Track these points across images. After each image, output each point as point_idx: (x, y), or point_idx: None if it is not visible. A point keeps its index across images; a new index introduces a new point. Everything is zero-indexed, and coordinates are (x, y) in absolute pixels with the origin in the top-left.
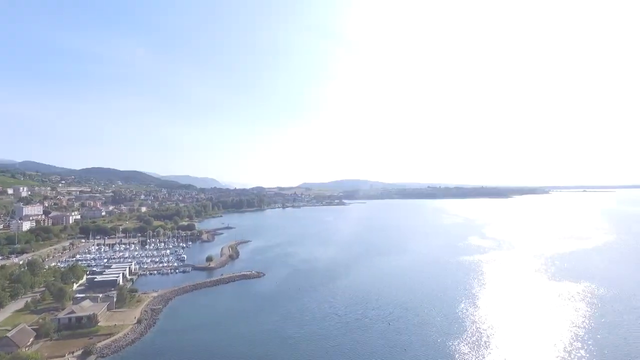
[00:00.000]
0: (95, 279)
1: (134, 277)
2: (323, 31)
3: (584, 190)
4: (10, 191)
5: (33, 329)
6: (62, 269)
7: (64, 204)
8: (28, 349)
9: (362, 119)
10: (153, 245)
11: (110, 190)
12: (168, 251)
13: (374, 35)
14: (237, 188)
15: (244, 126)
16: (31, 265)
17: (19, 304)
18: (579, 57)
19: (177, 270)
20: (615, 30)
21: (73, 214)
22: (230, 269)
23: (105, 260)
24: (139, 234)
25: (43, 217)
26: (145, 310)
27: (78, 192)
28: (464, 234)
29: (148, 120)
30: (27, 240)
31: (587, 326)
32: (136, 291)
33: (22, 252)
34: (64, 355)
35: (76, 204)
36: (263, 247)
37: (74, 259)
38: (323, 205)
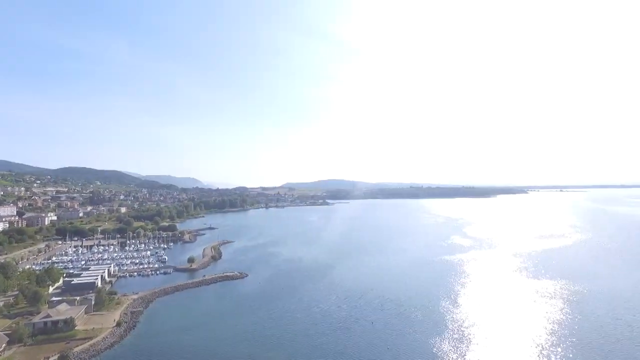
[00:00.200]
0: (73, 282)
1: (114, 279)
2: (307, 30)
3: (560, 190)
4: None
5: (6, 334)
6: (37, 272)
7: (40, 204)
8: (0, 355)
9: (345, 119)
10: (133, 246)
11: (88, 191)
12: (149, 252)
13: (358, 35)
14: (219, 188)
15: (227, 126)
16: (4, 268)
17: None
18: (553, 62)
19: (158, 272)
20: (599, 32)
21: (49, 215)
22: (213, 269)
23: (83, 262)
24: (119, 235)
25: (17, 218)
26: (125, 313)
27: (54, 193)
28: (446, 233)
29: (127, 119)
30: None
31: (563, 320)
32: (115, 293)
33: None
34: None
35: (52, 205)
36: (246, 247)
37: (50, 261)
38: (307, 205)
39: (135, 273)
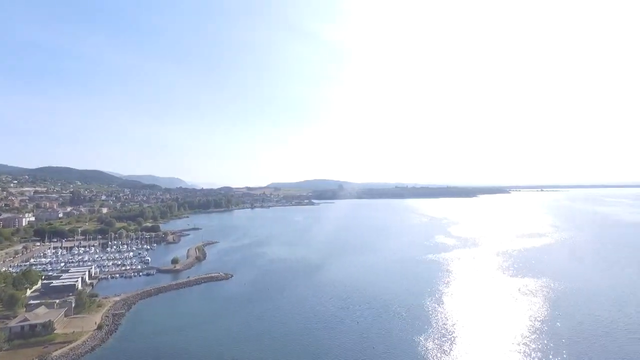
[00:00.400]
0: (52, 284)
1: (95, 281)
2: (288, 28)
3: (541, 190)
4: None
5: None
6: (14, 274)
7: (16, 205)
8: None
9: (330, 120)
10: (115, 247)
11: (68, 191)
12: (131, 253)
13: (350, 37)
14: (204, 188)
15: (211, 125)
16: None
17: None
18: (534, 65)
19: (140, 273)
20: (591, 32)
21: (26, 215)
22: (197, 270)
23: (63, 264)
24: (100, 236)
25: None
26: (106, 316)
27: (32, 193)
28: (430, 233)
29: (108, 118)
30: None
31: (543, 317)
32: (97, 296)
33: None
34: None
35: (30, 205)
36: (231, 248)
37: (28, 263)
38: (292, 205)
39: (118, 275)
